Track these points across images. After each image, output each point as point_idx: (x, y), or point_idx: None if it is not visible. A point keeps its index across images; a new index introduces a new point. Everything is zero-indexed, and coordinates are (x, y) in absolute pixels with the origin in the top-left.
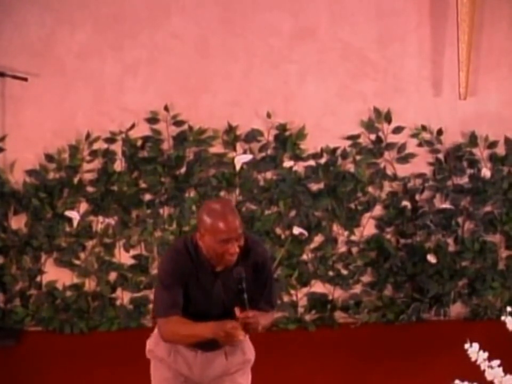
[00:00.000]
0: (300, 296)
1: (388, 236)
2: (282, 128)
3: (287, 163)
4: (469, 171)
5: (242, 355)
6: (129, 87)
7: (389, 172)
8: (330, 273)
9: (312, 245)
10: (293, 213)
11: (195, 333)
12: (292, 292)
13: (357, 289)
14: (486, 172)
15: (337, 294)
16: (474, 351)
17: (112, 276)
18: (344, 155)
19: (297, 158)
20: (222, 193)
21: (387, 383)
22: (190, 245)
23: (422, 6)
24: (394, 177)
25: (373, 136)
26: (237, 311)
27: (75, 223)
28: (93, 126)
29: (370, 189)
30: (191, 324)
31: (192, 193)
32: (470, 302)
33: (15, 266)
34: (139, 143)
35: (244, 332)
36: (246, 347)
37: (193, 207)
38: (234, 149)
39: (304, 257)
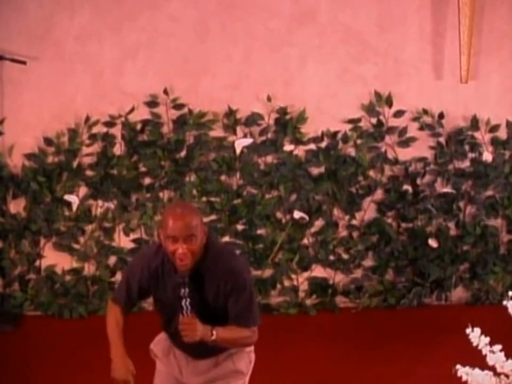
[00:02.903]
0: (301, 280)
1: (389, 220)
2: (282, 111)
3: (288, 147)
4: (470, 155)
5: (232, 364)
6: (129, 71)
7: (390, 155)
8: (331, 257)
9: (313, 229)
10: (293, 197)
11: (109, 340)
12: (293, 276)
13: (358, 273)
14: (487, 156)
15: (338, 278)
16: (475, 336)
17: (112, 260)
18: (345, 139)
19: (297, 141)
20: (223, 177)
21: (388, 368)
22: (162, 251)
23: None
24: (395, 161)
25: (373, 120)
26: (180, 317)
27: (74, 207)
28: (92, 110)
29: (371, 173)
30: (113, 332)
31: (192, 177)
32: (472, 286)
33: (13, 250)
34: (139, 126)
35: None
36: (240, 358)
37: (194, 191)
38: (235, 133)
39: (305, 241)
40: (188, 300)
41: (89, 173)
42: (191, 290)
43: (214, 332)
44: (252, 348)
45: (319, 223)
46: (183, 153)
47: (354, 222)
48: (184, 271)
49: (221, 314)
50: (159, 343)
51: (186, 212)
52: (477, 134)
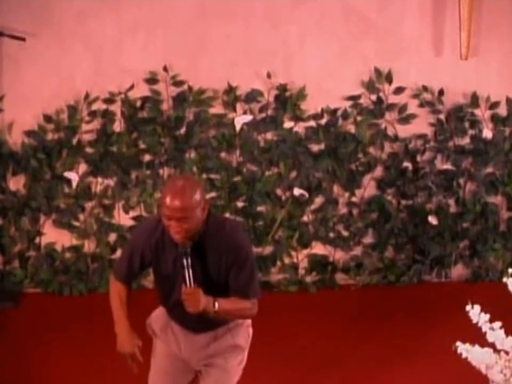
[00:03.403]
0: (301, 257)
1: (389, 197)
2: (282, 88)
3: (288, 124)
4: (470, 132)
5: (231, 339)
6: (128, 48)
7: (390, 132)
8: (331, 234)
9: (313, 206)
10: (293, 174)
11: (114, 316)
12: (293, 253)
13: (358, 250)
14: (487, 133)
15: (338, 255)
16: (475, 313)
17: (112, 237)
18: (345, 116)
19: (297, 118)
20: (222, 154)
21: (388, 345)
22: (163, 222)
23: None
24: (395, 138)
25: (373, 97)
26: (183, 287)
27: (74, 184)
28: (91, 87)
29: (371, 150)
30: (117, 307)
31: (192, 154)
32: (471, 263)
33: (13, 227)
34: (138, 103)
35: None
36: (238, 332)
37: (194, 168)
38: (234, 110)
39: (305, 218)
40: (191, 270)
41: (88, 150)
42: (193, 261)
43: (216, 303)
44: (249, 322)
45: (319, 200)
46: (182, 130)
47: (354, 199)
48: (184, 243)
49: (222, 286)
50: (157, 319)
51: (183, 192)
52: (477, 111)
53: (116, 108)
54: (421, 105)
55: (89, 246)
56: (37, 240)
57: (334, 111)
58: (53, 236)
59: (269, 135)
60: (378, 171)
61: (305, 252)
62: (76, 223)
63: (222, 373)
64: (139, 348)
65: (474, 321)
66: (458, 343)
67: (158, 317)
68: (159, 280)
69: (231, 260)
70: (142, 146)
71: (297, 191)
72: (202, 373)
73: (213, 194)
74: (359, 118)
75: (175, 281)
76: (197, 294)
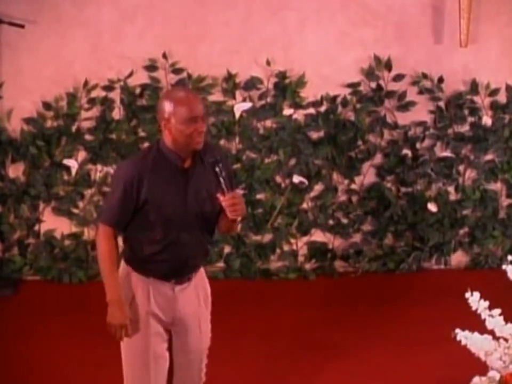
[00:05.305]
0: (300, 245)
1: (388, 185)
2: (282, 76)
3: (287, 111)
4: (470, 119)
5: (207, 287)
6: (127, 35)
7: (389, 120)
8: (330, 222)
9: (312, 194)
10: (292, 162)
11: (105, 281)
12: (292, 240)
13: (357, 238)
14: (487, 120)
15: (337, 243)
16: (475, 300)
17: None
18: (344, 103)
19: (297, 106)
20: (222, 142)
21: (387, 332)
22: (153, 149)
23: None
24: (394, 125)
25: (373, 84)
26: (219, 196)
27: (73, 172)
28: (90, 74)
29: (370, 137)
30: (109, 272)
31: None
32: (471, 250)
33: (13, 215)
34: (138, 91)
35: (230, 216)
36: (205, 278)
37: None
38: (234, 97)
39: (304, 206)
40: (222, 177)
41: (88, 137)
42: (195, 179)
43: None
44: None
45: (318, 187)
46: None
47: (353, 186)
48: (197, 150)
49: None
50: (138, 288)
51: (194, 93)
52: (477, 98)
53: (115, 95)
54: (421, 92)
55: (88, 233)
56: (36, 227)
57: (334, 98)
58: (52, 223)
59: (268, 123)
60: (378, 158)
61: (305, 239)
62: (75, 211)
63: (206, 324)
64: (130, 319)
65: (473, 308)
66: (457, 330)
67: (138, 286)
68: (162, 209)
69: (223, 168)
70: (142, 133)
71: (296, 179)
72: (188, 326)
73: None
74: (358, 105)
75: (181, 204)
76: (239, 197)
